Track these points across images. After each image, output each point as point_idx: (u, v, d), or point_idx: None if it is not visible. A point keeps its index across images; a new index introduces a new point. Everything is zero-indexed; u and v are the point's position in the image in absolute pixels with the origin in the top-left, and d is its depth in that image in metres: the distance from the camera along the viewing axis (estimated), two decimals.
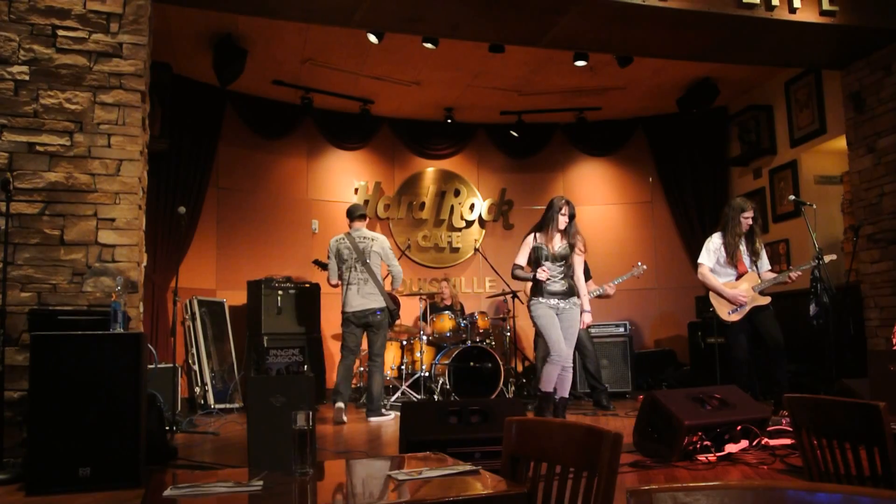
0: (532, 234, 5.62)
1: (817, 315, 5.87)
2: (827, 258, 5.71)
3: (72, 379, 3.64)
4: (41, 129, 4.37)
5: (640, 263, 6.91)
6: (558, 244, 5.55)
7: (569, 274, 5.54)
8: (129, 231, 4.46)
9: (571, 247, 5.54)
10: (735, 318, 5.85)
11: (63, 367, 3.65)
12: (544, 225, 5.58)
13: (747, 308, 5.82)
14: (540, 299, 5.45)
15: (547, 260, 5.49)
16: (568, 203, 5.60)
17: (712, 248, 6.00)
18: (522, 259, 5.63)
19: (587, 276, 7.03)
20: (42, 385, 3.62)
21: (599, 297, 6.92)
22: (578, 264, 5.60)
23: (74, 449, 3.59)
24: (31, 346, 3.66)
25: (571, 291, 5.51)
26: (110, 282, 4.33)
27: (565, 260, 5.51)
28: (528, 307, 5.59)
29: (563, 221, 5.52)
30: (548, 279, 5.43)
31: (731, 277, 5.94)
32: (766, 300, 5.84)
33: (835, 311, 6.06)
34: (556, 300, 5.45)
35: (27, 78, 4.38)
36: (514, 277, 5.67)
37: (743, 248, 5.96)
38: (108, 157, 4.47)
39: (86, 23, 4.51)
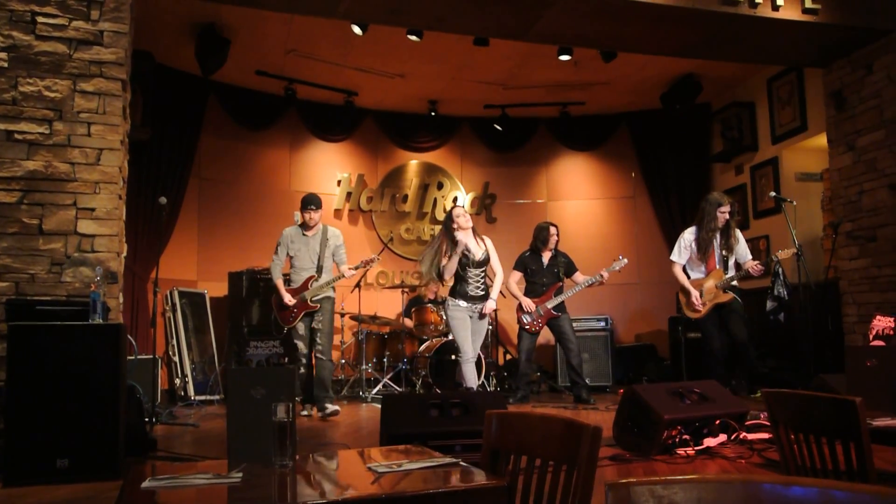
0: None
1: (774, 310, 6.05)
2: (781, 254, 5.86)
3: (50, 370, 3.61)
4: (20, 116, 4.32)
5: (620, 256, 6.92)
6: (477, 249, 5.96)
7: (485, 278, 6.07)
8: (108, 221, 4.42)
9: (487, 254, 6.00)
10: (696, 315, 6.14)
11: (41, 357, 3.62)
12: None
13: (709, 305, 6.11)
14: (460, 302, 5.93)
15: (471, 267, 5.92)
16: (461, 206, 6.51)
17: (683, 245, 6.20)
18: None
19: (573, 269, 7.07)
20: (20, 376, 3.58)
21: (591, 285, 6.93)
22: (496, 262, 6.08)
23: (52, 440, 3.56)
24: (9, 336, 3.62)
25: (487, 295, 6.04)
26: (89, 272, 4.29)
27: (483, 266, 6.01)
28: (446, 304, 6.13)
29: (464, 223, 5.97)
30: (471, 285, 5.96)
31: (701, 274, 6.11)
32: (729, 297, 5.99)
33: (813, 307, 6.16)
34: (474, 303, 5.94)
35: (6, 65, 4.32)
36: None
37: (716, 243, 6.09)
38: (88, 146, 4.42)
39: (66, 10, 4.46)
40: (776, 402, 2.16)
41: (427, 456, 1.99)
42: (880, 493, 0.96)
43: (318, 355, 6.28)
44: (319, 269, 6.31)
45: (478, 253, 5.93)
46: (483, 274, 5.97)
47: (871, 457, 1.89)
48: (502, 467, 1.76)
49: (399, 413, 3.93)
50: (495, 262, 6.03)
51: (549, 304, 6.84)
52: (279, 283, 6.28)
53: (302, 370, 6.21)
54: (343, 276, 6.24)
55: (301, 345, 6.28)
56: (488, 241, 6.05)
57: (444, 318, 7.87)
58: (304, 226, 6.36)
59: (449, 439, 3.73)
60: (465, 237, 5.84)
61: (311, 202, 6.32)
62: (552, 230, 7.08)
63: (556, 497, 1.55)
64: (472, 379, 5.87)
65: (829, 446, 1.98)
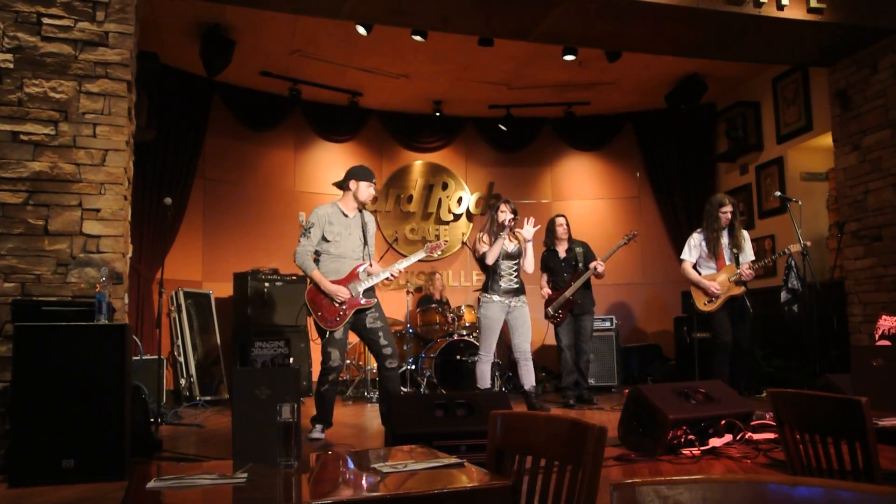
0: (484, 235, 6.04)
1: (789, 301, 6.13)
2: (793, 248, 5.92)
3: (56, 370, 3.62)
4: (25, 117, 4.32)
5: (633, 232, 6.90)
6: (509, 244, 5.95)
7: (519, 271, 6.00)
8: (114, 222, 4.42)
9: (520, 247, 5.99)
10: (711, 308, 6.14)
11: (47, 358, 3.63)
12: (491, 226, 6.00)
13: (722, 299, 6.10)
14: (494, 298, 5.88)
15: (502, 259, 5.90)
16: (507, 202, 6.05)
17: (693, 245, 6.31)
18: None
19: (592, 257, 7.04)
20: (25, 376, 3.60)
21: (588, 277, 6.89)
22: (527, 259, 6.00)
23: (58, 441, 3.57)
24: (15, 336, 3.63)
25: (522, 289, 5.97)
26: (95, 273, 4.30)
27: (517, 259, 5.97)
28: (479, 302, 6.03)
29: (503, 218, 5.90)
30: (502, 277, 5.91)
31: (713, 271, 6.19)
32: (741, 290, 6.06)
33: (819, 306, 6.17)
34: (509, 298, 5.90)
35: (11, 66, 4.33)
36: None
37: (724, 241, 6.17)
38: (93, 146, 4.43)
39: (71, 11, 4.47)
40: (782, 402, 2.15)
41: (432, 456, 1.99)
42: (886, 493, 0.96)
43: (388, 363, 5.00)
44: (370, 257, 5.17)
45: (509, 246, 5.93)
46: (516, 267, 5.97)
47: (878, 457, 1.89)
48: (507, 467, 1.76)
49: (404, 414, 3.93)
50: (529, 258, 5.98)
51: (568, 293, 6.78)
52: (317, 274, 4.95)
53: (327, 386, 4.93)
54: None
55: (336, 354, 4.93)
56: (521, 234, 6.00)
57: (449, 318, 7.87)
58: (346, 203, 5.17)
59: (454, 439, 3.74)
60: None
61: (371, 174, 5.18)
62: (558, 220, 7.00)
63: (562, 497, 1.55)
64: (486, 379, 5.86)
65: (835, 446, 1.98)
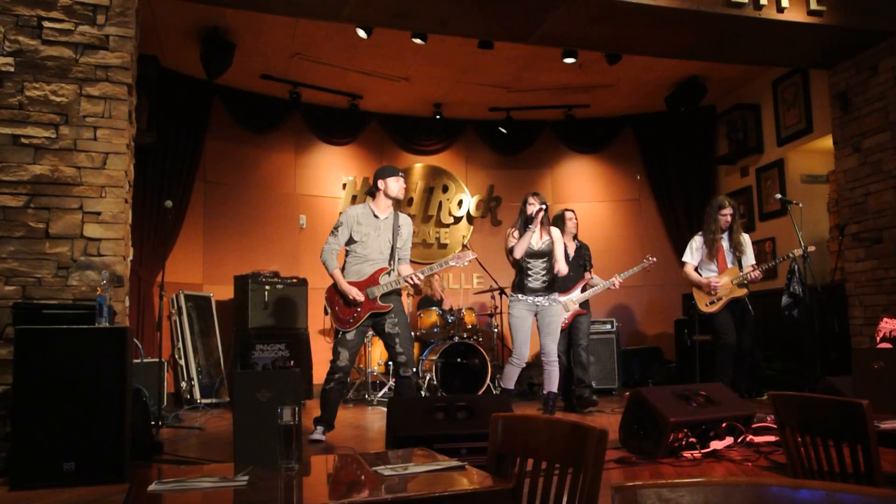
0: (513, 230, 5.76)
1: (789, 306, 6.13)
2: (798, 252, 5.92)
3: (57, 373, 3.62)
4: (26, 121, 4.33)
5: (649, 256, 6.90)
6: (538, 240, 5.67)
7: (550, 270, 5.69)
8: (115, 225, 4.43)
9: (551, 244, 5.69)
10: (713, 309, 6.14)
11: (48, 361, 3.63)
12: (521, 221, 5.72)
13: (724, 300, 6.10)
14: (520, 296, 5.64)
15: (527, 257, 5.64)
16: (535, 194, 5.73)
17: (695, 248, 6.33)
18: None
19: (588, 266, 6.98)
20: (26, 379, 3.60)
21: (604, 289, 6.84)
22: (559, 257, 5.69)
23: (59, 443, 3.57)
24: (16, 339, 3.64)
25: (552, 288, 5.69)
26: (96, 276, 4.30)
27: (546, 256, 5.67)
28: (509, 302, 5.77)
29: (531, 210, 5.62)
30: (530, 275, 5.62)
31: (713, 273, 6.19)
32: (744, 292, 6.06)
33: (820, 309, 6.17)
34: (537, 297, 5.64)
35: (12, 69, 4.34)
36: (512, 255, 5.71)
37: (725, 244, 6.18)
38: (94, 150, 4.43)
39: (72, 14, 4.48)
40: (783, 405, 2.15)
41: (433, 459, 1.99)
42: (887, 496, 0.96)
43: (402, 371, 4.99)
44: (392, 262, 5.11)
45: (535, 243, 5.64)
46: (545, 265, 5.67)
47: (879, 459, 1.89)
48: (508, 470, 1.76)
49: (405, 416, 3.93)
50: (559, 255, 5.68)
51: (576, 300, 6.73)
52: (337, 273, 4.97)
53: (332, 384, 4.91)
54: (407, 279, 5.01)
55: (345, 355, 4.92)
56: (555, 233, 5.77)
57: (451, 320, 7.87)
58: (377, 204, 5.13)
59: (454, 442, 3.73)
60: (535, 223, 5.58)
61: (396, 168, 5.22)
62: (567, 214, 6.81)
63: (563, 500, 1.55)
64: (510, 380, 5.64)
65: (836, 449, 1.98)
